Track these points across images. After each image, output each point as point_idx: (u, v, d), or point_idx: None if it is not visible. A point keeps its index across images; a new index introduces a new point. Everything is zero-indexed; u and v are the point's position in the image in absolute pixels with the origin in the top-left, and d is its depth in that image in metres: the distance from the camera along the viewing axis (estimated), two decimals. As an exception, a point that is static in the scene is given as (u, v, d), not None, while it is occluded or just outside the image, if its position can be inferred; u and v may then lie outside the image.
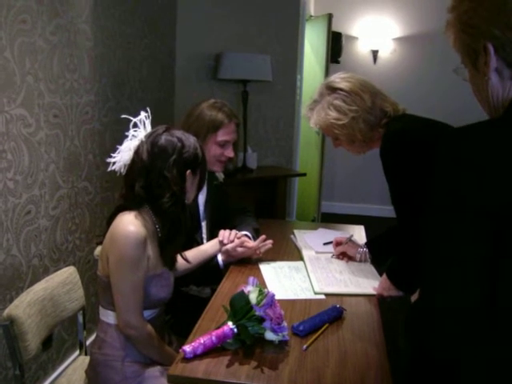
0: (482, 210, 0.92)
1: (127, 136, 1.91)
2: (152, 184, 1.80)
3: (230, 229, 2.39)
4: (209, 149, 2.36)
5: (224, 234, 2.30)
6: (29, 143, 2.38)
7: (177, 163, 1.80)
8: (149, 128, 1.91)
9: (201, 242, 2.44)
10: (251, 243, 2.29)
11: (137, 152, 1.84)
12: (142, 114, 1.93)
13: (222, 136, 2.40)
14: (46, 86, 2.49)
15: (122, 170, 1.90)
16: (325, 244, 2.57)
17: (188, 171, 1.83)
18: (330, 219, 5.18)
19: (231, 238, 2.28)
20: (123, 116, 1.97)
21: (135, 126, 1.91)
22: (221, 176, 2.65)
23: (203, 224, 2.50)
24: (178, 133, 1.86)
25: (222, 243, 2.27)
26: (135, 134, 1.90)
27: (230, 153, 2.44)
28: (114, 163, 1.91)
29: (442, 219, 0.98)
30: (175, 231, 1.84)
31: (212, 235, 2.51)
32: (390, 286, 2.00)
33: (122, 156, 1.90)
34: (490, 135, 0.99)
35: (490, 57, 1.04)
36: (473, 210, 0.93)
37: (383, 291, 2.03)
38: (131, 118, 1.91)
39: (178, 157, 1.80)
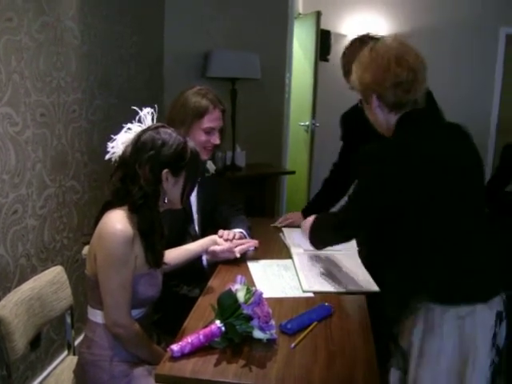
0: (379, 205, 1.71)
1: (119, 131, 1.92)
2: (127, 177, 1.79)
3: (223, 225, 2.46)
4: (194, 136, 2.32)
5: (224, 232, 2.35)
6: (15, 142, 2.36)
7: (151, 160, 1.77)
8: (149, 124, 1.91)
9: (194, 235, 2.44)
10: (237, 253, 2.29)
11: (126, 145, 1.84)
12: (146, 110, 1.93)
13: (207, 123, 2.36)
14: (32, 84, 2.47)
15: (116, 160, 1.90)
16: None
17: (165, 170, 1.79)
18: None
19: (230, 237, 2.32)
20: (133, 107, 1.95)
21: (140, 120, 1.92)
22: (212, 167, 2.63)
23: (195, 217, 2.50)
24: (167, 132, 1.84)
25: (220, 237, 2.31)
26: (131, 126, 1.90)
27: (216, 140, 2.40)
28: (112, 153, 1.91)
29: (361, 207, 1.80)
30: (149, 231, 1.81)
31: (203, 228, 2.51)
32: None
33: (117, 147, 1.90)
34: (384, 152, 1.69)
35: (373, 100, 1.76)
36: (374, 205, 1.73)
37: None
38: (138, 110, 1.92)
39: (154, 154, 1.78)
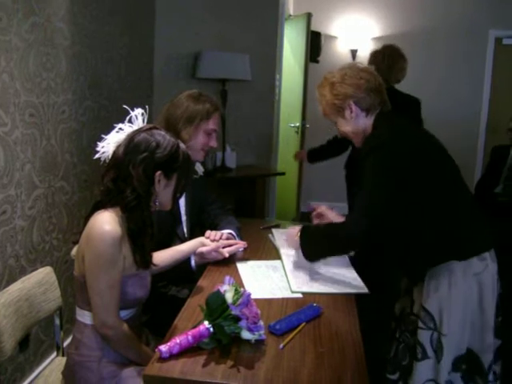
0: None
1: (109, 132, 1.93)
2: (119, 178, 1.79)
3: (212, 226, 2.48)
4: (197, 136, 2.41)
5: (211, 233, 2.36)
6: (4, 142, 2.35)
7: (145, 162, 1.78)
8: (140, 125, 1.92)
9: (182, 236, 2.45)
10: (225, 253, 2.30)
11: (118, 146, 1.84)
12: (138, 110, 1.94)
13: (212, 125, 2.44)
14: (21, 84, 2.47)
15: (106, 160, 1.91)
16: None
17: (158, 172, 1.80)
18: (310, 219, 5.18)
19: (216, 238, 2.33)
20: (124, 106, 1.97)
21: (130, 120, 1.93)
22: (200, 169, 2.65)
23: (184, 219, 2.51)
24: (160, 134, 1.84)
25: (207, 238, 2.32)
26: (123, 127, 1.90)
27: (214, 143, 2.49)
28: (102, 152, 1.92)
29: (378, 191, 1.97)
30: (140, 232, 1.82)
31: (192, 229, 2.52)
32: (297, 245, 2.21)
33: (107, 147, 1.90)
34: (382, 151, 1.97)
35: (353, 108, 2.08)
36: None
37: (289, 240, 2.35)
38: (130, 110, 1.92)
39: (148, 155, 1.78)
